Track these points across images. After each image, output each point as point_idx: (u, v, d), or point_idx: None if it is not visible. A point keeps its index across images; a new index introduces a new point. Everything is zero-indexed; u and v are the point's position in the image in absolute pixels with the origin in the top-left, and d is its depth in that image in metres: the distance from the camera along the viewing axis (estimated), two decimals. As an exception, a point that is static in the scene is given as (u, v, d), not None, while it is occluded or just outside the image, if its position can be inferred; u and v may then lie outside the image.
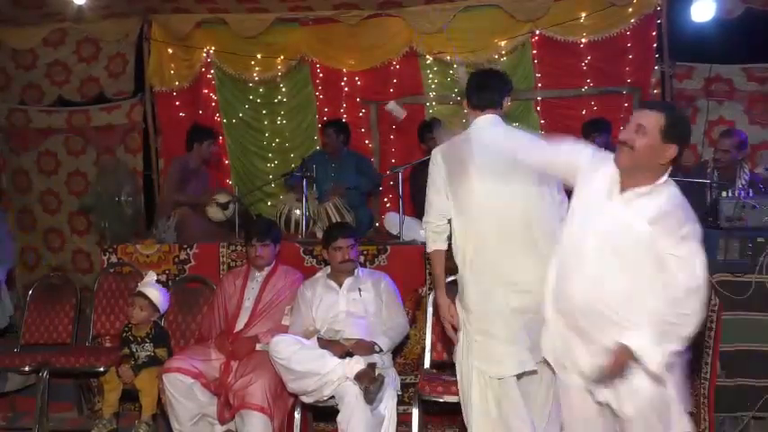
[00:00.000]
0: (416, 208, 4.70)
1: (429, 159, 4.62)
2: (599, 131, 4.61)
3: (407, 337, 3.66)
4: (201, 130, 4.99)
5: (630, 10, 5.07)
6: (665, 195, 2.23)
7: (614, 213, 2.27)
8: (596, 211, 2.31)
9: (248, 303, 3.63)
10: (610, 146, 4.75)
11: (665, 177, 2.27)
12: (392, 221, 4.33)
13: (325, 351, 3.24)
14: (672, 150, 2.23)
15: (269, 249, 3.67)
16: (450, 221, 2.87)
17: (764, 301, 3.45)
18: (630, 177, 2.26)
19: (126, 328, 3.65)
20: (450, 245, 2.90)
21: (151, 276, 3.71)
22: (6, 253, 4.71)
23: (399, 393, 3.36)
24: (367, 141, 5.75)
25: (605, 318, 2.27)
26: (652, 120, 2.22)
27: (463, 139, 2.87)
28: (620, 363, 2.23)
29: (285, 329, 3.49)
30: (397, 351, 3.65)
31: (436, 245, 2.91)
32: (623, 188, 2.28)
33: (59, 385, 3.97)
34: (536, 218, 2.73)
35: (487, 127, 2.85)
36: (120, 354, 3.58)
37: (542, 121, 5.46)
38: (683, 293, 2.16)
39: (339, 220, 4.38)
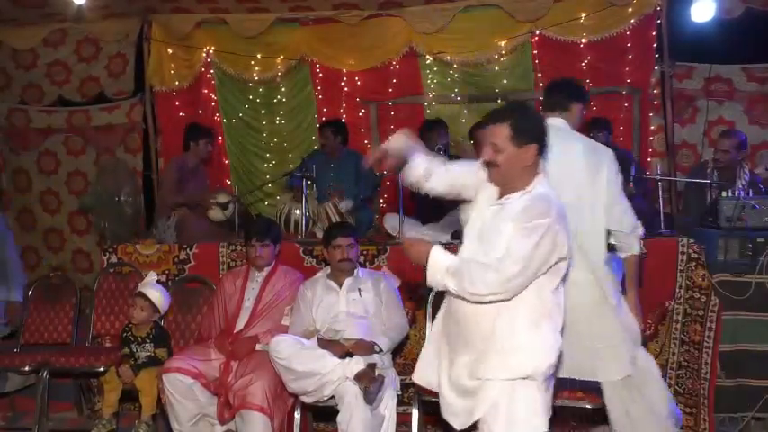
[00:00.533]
0: (416, 208, 4.69)
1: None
2: (599, 130, 4.61)
3: (407, 337, 3.66)
4: (197, 128, 4.96)
5: (630, 10, 5.06)
6: (529, 195, 2.28)
7: (489, 221, 2.32)
8: (478, 221, 2.38)
9: (248, 303, 3.62)
10: (610, 144, 4.78)
11: (536, 180, 2.30)
12: (391, 222, 4.32)
13: (325, 351, 3.23)
14: (532, 150, 2.28)
15: (269, 249, 3.67)
16: None
17: (764, 301, 3.45)
18: (506, 187, 2.33)
19: (126, 328, 3.65)
20: None
21: (152, 277, 3.70)
22: (20, 274, 4.66)
23: (399, 393, 3.36)
24: (366, 141, 5.74)
25: (478, 330, 2.29)
26: (499, 134, 2.28)
27: None
28: (414, 249, 2.38)
29: (285, 329, 3.49)
30: (397, 351, 3.64)
31: None
32: (500, 196, 2.35)
33: (59, 385, 3.97)
34: (584, 231, 2.72)
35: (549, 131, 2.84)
36: (120, 353, 3.58)
37: (543, 121, 5.46)
38: (493, 265, 2.18)
39: (339, 220, 4.38)
